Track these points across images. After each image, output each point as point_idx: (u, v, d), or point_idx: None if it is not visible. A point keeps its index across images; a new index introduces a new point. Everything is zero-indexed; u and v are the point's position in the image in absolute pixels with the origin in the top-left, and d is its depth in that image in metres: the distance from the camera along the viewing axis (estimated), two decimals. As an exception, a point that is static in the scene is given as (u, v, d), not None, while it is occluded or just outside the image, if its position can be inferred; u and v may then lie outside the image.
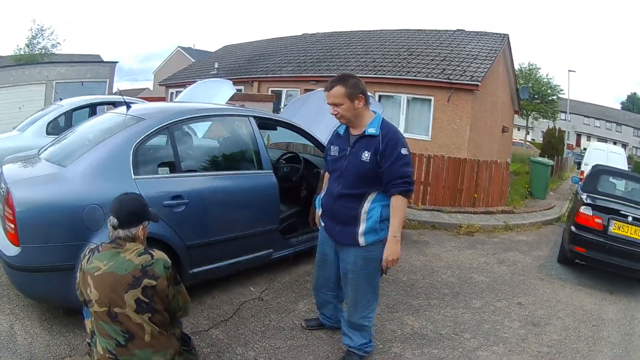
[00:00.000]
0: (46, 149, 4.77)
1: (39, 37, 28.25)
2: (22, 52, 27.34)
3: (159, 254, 2.78)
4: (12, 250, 3.63)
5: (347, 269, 3.66)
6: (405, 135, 14.21)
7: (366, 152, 3.44)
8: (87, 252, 2.81)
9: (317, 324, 4.30)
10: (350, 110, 3.47)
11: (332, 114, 3.55)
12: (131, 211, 2.80)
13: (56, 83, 19.80)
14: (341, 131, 3.70)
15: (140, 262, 2.66)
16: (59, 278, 3.63)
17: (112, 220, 2.75)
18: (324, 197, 3.79)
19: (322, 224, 3.87)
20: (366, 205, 3.48)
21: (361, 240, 3.50)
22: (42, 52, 27.69)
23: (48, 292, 3.78)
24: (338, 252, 3.76)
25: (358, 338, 3.82)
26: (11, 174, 4.11)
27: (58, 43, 29.06)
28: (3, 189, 3.95)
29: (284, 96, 19.37)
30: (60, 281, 3.63)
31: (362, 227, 3.49)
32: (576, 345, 4.62)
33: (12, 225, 3.58)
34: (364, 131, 3.50)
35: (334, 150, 3.69)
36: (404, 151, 3.42)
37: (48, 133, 7.33)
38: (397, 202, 3.41)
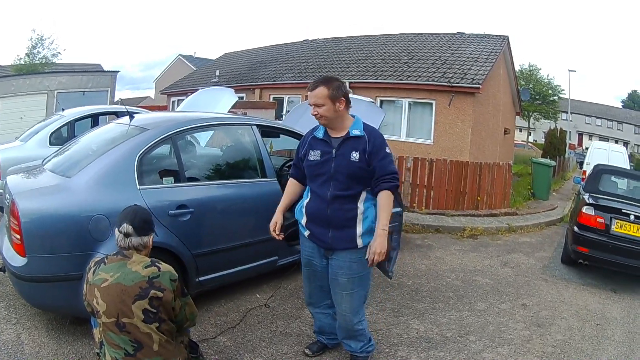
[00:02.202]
0: (50, 160, 4.80)
1: (39, 47, 28.01)
2: (22, 62, 27.14)
3: (165, 266, 2.81)
4: (18, 261, 3.66)
5: (339, 274, 3.59)
6: (407, 139, 14.13)
7: (354, 152, 3.44)
8: (92, 265, 2.84)
9: (320, 347, 4.13)
10: (331, 111, 3.45)
11: (312, 114, 3.52)
12: (144, 219, 2.88)
13: (57, 93, 19.80)
14: (319, 135, 3.63)
15: (147, 274, 2.69)
16: (67, 288, 3.65)
17: (126, 227, 2.79)
18: (311, 203, 3.63)
19: (306, 233, 3.72)
20: (361, 206, 3.48)
21: (359, 242, 3.47)
22: (43, 62, 27.54)
23: (56, 301, 3.80)
24: (328, 259, 3.67)
25: (356, 343, 3.83)
26: (16, 185, 4.14)
27: (58, 52, 28.86)
28: (8, 200, 3.98)
29: (285, 103, 19.34)
30: (68, 291, 3.64)
31: (359, 229, 3.47)
32: (580, 345, 4.64)
33: (18, 236, 3.61)
34: (348, 133, 3.51)
35: (315, 155, 3.59)
36: (388, 150, 3.50)
37: (51, 143, 7.35)
38: (387, 197, 3.41)
